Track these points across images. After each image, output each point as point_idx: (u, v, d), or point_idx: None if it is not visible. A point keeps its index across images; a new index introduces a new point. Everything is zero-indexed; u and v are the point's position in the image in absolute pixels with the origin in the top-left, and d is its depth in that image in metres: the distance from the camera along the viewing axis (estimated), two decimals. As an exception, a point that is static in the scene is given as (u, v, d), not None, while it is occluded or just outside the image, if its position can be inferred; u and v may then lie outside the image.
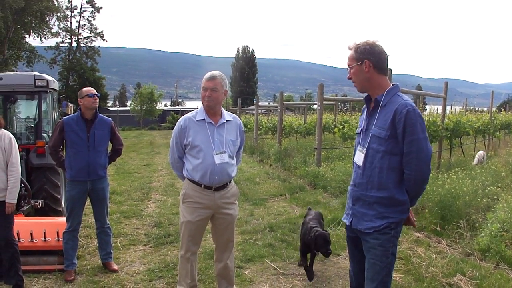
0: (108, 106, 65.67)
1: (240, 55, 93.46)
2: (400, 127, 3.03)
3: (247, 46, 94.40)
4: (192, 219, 4.26)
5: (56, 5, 49.23)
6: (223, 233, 4.47)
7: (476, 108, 30.03)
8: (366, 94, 3.33)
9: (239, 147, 4.51)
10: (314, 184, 10.55)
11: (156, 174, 13.48)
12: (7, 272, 4.81)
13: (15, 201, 4.81)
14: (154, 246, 6.47)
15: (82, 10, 58.63)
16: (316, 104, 12.57)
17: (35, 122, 7.94)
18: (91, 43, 59.70)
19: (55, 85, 8.35)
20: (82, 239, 6.50)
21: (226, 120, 4.34)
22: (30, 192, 6.88)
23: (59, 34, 56.49)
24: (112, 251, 5.72)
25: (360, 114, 4.59)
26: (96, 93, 5.42)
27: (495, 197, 7.31)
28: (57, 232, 5.54)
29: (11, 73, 9.10)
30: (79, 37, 58.79)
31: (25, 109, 8.85)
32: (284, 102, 18.37)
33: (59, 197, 7.37)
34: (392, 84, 3.23)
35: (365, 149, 3.21)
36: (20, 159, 5.02)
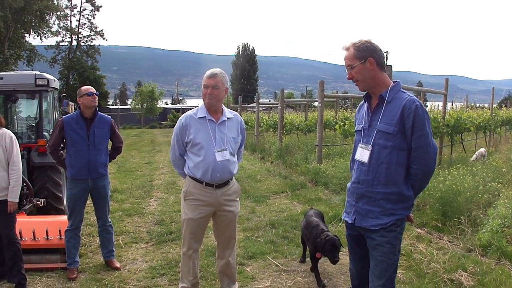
0: (109, 105, 65.66)
1: (240, 53, 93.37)
2: (409, 123, 3.07)
3: (247, 44, 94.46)
4: (194, 217, 4.27)
5: (56, 4, 49.24)
6: (225, 230, 4.48)
7: (477, 105, 30.00)
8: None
9: (240, 145, 4.51)
10: (315, 181, 10.56)
11: (158, 172, 13.50)
12: (10, 271, 4.82)
13: (17, 200, 4.82)
14: (156, 243, 6.48)
15: (82, 9, 58.77)
16: (317, 101, 12.57)
17: (36, 121, 7.96)
18: (91, 41, 59.85)
19: (56, 84, 8.36)
20: (84, 237, 6.52)
21: (227, 118, 4.34)
22: (32, 190, 6.89)
23: (59, 33, 56.63)
24: (114, 249, 5.73)
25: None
26: (95, 92, 5.42)
27: (496, 193, 7.31)
28: (59, 231, 5.55)
29: (12, 72, 9.11)
30: (79, 36, 58.90)
31: (26, 108, 8.86)
32: (285, 100, 18.36)
33: (61, 195, 7.38)
34: (393, 81, 3.25)
35: (370, 145, 3.21)
36: (22, 158, 5.04)
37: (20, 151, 4.96)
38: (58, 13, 52.14)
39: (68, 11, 57.23)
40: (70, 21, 58.21)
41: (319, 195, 9.20)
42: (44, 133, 7.71)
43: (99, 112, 5.52)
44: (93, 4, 58.96)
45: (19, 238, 5.11)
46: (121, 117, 48.32)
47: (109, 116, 5.69)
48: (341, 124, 15.11)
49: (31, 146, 7.55)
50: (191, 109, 4.52)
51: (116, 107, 69.49)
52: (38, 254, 5.51)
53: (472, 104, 29.15)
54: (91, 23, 59.54)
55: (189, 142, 4.22)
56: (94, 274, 5.34)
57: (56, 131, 5.35)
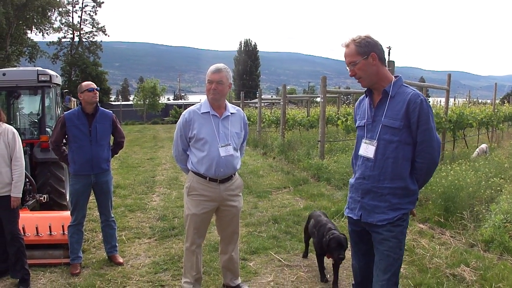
0: (111, 101, 65.63)
1: (242, 49, 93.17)
2: (414, 117, 3.07)
3: (249, 40, 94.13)
4: (197, 212, 4.28)
5: (58, 0, 49.18)
6: (228, 225, 4.49)
7: (480, 100, 29.97)
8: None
9: (243, 140, 4.52)
10: (318, 176, 10.56)
11: (160, 167, 13.51)
12: (13, 266, 4.84)
13: (20, 195, 4.84)
14: (158, 239, 6.50)
15: (83, 5, 58.65)
16: (319, 96, 12.57)
17: (39, 117, 7.97)
18: (93, 38, 59.73)
19: (58, 80, 8.36)
20: (87, 233, 6.53)
21: (231, 113, 4.35)
22: (35, 186, 6.91)
23: (61, 29, 56.55)
24: (117, 244, 5.75)
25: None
26: (96, 87, 5.41)
27: (499, 188, 7.30)
28: (62, 226, 5.56)
29: (14, 68, 9.11)
30: (81, 32, 58.80)
31: (28, 104, 8.87)
32: (287, 95, 18.35)
33: (64, 191, 7.40)
34: (395, 76, 3.24)
35: (375, 141, 3.20)
36: (24, 154, 5.04)
37: (23, 147, 4.97)
38: (60, 9, 52.19)
39: (70, 7, 57.24)
40: (72, 17, 58.22)
41: (321, 191, 9.20)
42: (46, 129, 7.73)
43: (100, 108, 5.52)
44: (94, 0, 58.90)
45: (22, 233, 5.12)
46: (123, 113, 48.32)
47: (111, 111, 5.68)
48: (343, 119, 15.10)
49: (34, 142, 7.57)
50: (193, 105, 4.52)
51: (118, 103, 69.45)
52: (41, 249, 5.52)
53: (475, 100, 29.13)
54: (93, 19, 59.49)
55: (193, 137, 4.22)
56: (97, 269, 5.36)
57: (58, 127, 5.36)
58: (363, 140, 3.30)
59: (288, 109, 22.56)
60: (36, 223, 5.54)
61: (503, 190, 7.16)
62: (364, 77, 3.19)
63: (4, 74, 7.52)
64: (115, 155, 5.88)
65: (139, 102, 50.19)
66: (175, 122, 4.50)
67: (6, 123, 4.89)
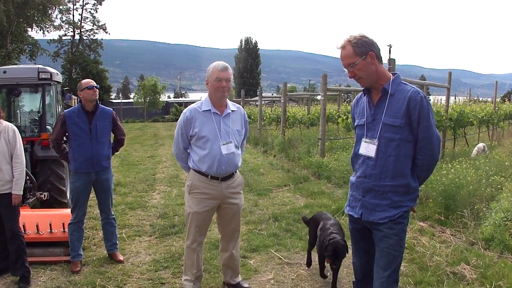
0: (112, 99, 65.65)
1: (243, 47, 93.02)
2: (415, 114, 3.07)
3: (250, 38, 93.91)
4: (199, 210, 4.28)
5: (58, -2, 49.12)
6: (230, 223, 4.50)
7: (480, 99, 29.92)
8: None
9: (243, 137, 4.52)
10: (318, 174, 10.56)
11: (160, 165, 13.51)
12: (14, 264, 4.85)
13: (21, 193, 4.85)
14: (159, 236, 6.50)
15: (84, 2, 58.58)
16: (319, 94, 12.56)
17: (39, 114, 7.97)
18: (94, 35, 59.70)
19: (59, 77, 8.36)
20: (88, 231, 6.54)
21: (231, 110, 4.35)
22: (35, 184, 6.92)
23: (62, 27, 56.48)
24: (117, 242, 5.76)
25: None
26: (96, 85, 5.41)
27: (499, 186, 7.30)
28: (63, 224, 5.57)
29: (15, 66, 9.11)
30: (82, 30, 58.76)
31: (29, 102, 8.87)
32: (288, 93, 18.33)
33: (64, 189, 7.40)
34: (393, 73, 3.23)
35: (376, 139, 3.19)
36: (25, 152, 5.05)
37: (24, 144, 4.97)
38: (61, 7, 52.03)
39: (70, 5, 57.14)
40: (73, 15, 58.17)
41: (321, 189, 9.20)
42: (47, 126, 7.73)
43: (100, 105, 5.52)
44: (95, -2, 58.83)
45: (23, 231, 5.13)
46: (123, 111, 48.36)
47: (111, 109, 5.68)
48: (344, 117, 15.11)
49: (34, 139, 7.56)
50: (193, 102, 4.52)
51: (119, 101, 69.52)
52: (41, 247, 5.53)
53: (475, 98, 29.11)
54: (94, 17, 59.43)
55: (194, 135, 4.21)
56: (98, 267, 5.36)
57: (58, 125, 5.36)
58: (363, 139, 3.29)
59: (289, 107, 22.57)
60: (36, 221, 5.55)
61: (503, 188, 7.16)
62: (364, 77, 3.17)
63: (4, 72, 7.52)
64: (116, 153, 5.88)
65: (139, 100, 50.22)
66: (176, 120, 4.47)
67: (7, 120, 4.89)
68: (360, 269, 3.55)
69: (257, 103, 20.43)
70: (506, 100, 25.95)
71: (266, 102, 32.70)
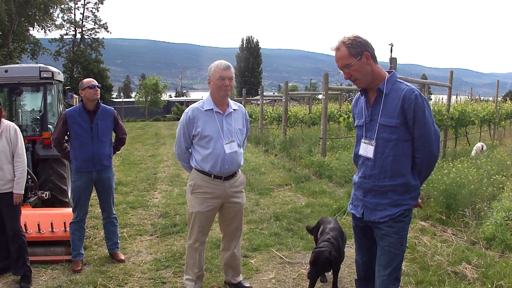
0: (113, 98, 65.64)
1: (244, 46, 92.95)
2: (410, 113, 3.06)
3: (251, 37, 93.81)
4: (202, 210, 4.28)
5: (60, -3, 49.09)
6: (232, 222, 4.50)
7: (482, 98, 29.89)
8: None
9: (245, 136, 4.53)
10: (320, 173, 10.56)
11: (162, 164, 13.52)
12: (15, 263, 4.85)
13: (23, 192, 4.85)
14: (160, 236, 6.51)
15: (85, 1, 58.46)
16: (321, 93, 12.56)
17: (41, 114, 7.97)
18: (95, 35, 59.59)
19: (60, 76, 8.36)
20: (89, 230, 6.54)
21: (233, 109, 4.36)
22: (37, 183, 6.92)
23: (63, 26, 56.42)
24: (118, 241, 5.76)
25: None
26: (97, 84, 5.41)
27: (501, 186, 7.30)
28: (64, 223, 5.57)
29: (16, 65, 9.12)
30: (83, 29, 58.72)
31: (30, 101, 8.88)
32: (289, 92, 18.33)
33: (66, 188, 7.41)
34: (388, 72, 3.22)
35: (373, 140, 3.20)
36: (26, 151, 5.05)
37: (25, 143, 4.97)
38: (62, 6, 51.99)
39: (72, 4, 57.09)
40: (74, 14, 58.09)
41: (323, 188, 9.20)
42: (48, 125, 7.73)
43: (101, 104, 5.52)
44: (96, -3, 58.80)
45: (24, 230, 5.13)
46: (125, 110, 48.33)
47: (112, 108, 5.68)
48: (345, 116, 15.08)
49: (36, 138, 7.56)
50: (195, 102, 4.52)
51: (120, 100, 69.51)
52: (43, 246, 5.53)
53: (477, 97, 29.06)
54: (95, 16, 59.34)
55: (197, 135, 4.21)
56: (99, 266, 5.37)
57: (60, 125, 5.36)
58: (362, 140, 3.30)
59: (290, 106, 22.55)
60: (38, 220, 5.54)
61: (505, 188, 7.15)
62: (360, 78, 3.16)
63: (6, 71, 7.52)
64: (117, 152, 5.89)
65: (141, 99, 50.19)
66: (177, 119, 4.47)
67: (8, 120, 4.89)
68: (363, 266, 3.56)
69: (259, 102, 20.42)
70: (508, 99, 25.92)
71: (267, 101, 32.70)
